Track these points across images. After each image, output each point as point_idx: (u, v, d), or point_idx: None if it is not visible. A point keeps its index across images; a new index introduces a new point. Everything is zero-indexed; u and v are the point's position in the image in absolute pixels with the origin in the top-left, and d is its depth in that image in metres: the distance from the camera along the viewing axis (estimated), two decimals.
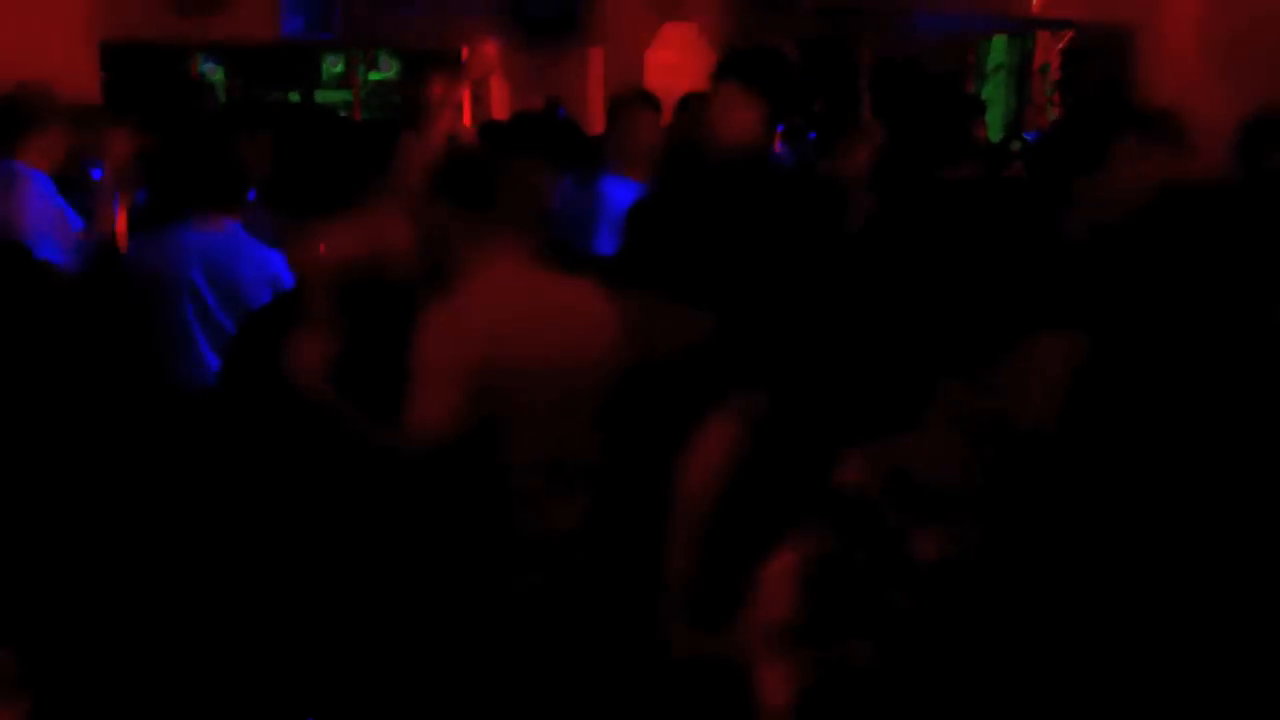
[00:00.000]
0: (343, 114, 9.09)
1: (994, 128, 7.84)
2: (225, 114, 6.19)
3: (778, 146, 4.73)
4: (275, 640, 2.49)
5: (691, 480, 1.94)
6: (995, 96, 9.06)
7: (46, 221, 3.82)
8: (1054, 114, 8.76)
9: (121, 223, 3.76)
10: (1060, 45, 8.96)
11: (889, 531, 1.36)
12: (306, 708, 2.48)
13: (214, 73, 8.97)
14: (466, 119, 8.72)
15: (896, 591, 1.35)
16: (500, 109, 8.20)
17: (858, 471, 1.41)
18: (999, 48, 9.62)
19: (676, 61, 7.12)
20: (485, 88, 8.35)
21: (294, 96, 9.41)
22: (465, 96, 8.99)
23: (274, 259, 3.36)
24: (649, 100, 4.44)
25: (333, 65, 9.47)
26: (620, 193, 4.07)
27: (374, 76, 9.64)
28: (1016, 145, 5.99)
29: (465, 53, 8.10)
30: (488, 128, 5.47)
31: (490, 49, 8.14)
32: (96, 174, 4.22)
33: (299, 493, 2.50)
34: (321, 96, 9.49)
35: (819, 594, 1.37)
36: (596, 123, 7.05)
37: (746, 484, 1.85)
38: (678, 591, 1.96)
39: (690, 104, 4.43)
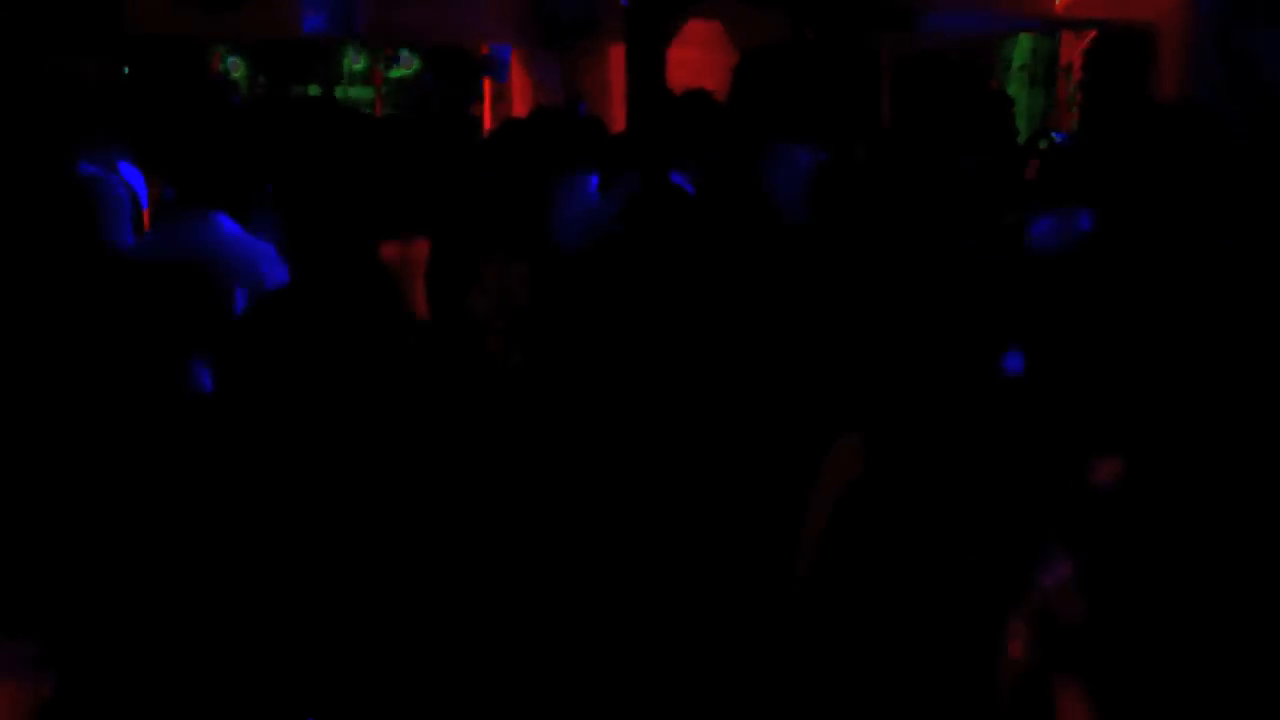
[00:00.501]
0: (364, 110, 9.10)
1: (1019, 127, 7.80)
2: (245, 110, 6.17)
3: None
4: (276, 640, 2.47)
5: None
6: (1018, 96, 9.02)
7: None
8: (1078, 113, 8.72)
9: (147, 219, 3.76)
10: (1083, 44, 8.92)
11: None
12: (307, 708, 2.46)
13: (236, 68, 8.99)
14: (487, 117, 8.73)
15: None
16: (521, 106, 8.20)
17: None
18: (1022, 47, 9.58)
19: (699, 59, 7.11)
20: (506, 85, 8.35)
21: (314, 90, 9.42)
22: (486, 94, 9.01)
23: (259, 253, 3.30)
24: None
25: (354, 62, 9.47)
26: None
27: (395, 73, 9.64)
28: (1044, 144, 5.96)
29: (484, 49, 8.12)
30: (509, 125, 5.47)
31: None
32: (122, 165, 4.22)
33: (302, 501, 2.49)
34: (342, 93, 9.49)
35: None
36: (618, 121, 7.04)
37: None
38: None
39: (697, 101, 4.37)
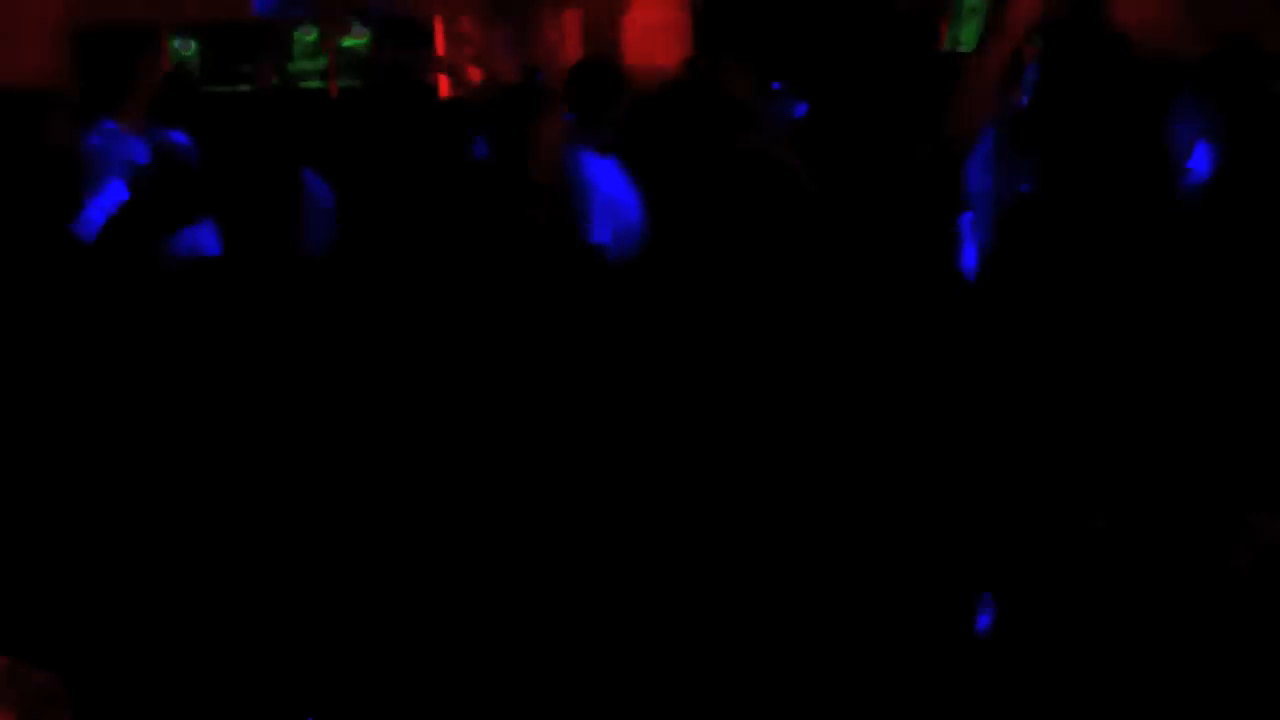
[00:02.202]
0: (316, 84, 9.06)
1: None
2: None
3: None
4: (278, 633, 2.49)
5: None
6: (971, 41, 9.02)
7: None
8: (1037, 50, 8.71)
9: None
10: None
11: None
12: (307, 708, 2.48)
13: (187, 48, 8.90)
14: (442, 85, 8.67)
15: None
16: (475, 76, 8.14)
17: None
18: None
19: (656, 22, 7.07)
20: (461, 55, 8.30)
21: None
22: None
23: None
24: None
25: (306, 34, 9.40)
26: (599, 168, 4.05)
27: (347, 43, 9.56)
28: None
29: (439, 21, 8.06)
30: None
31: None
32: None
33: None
34: (294, 67, 9.42)
35: None
36: None
37: None
38: None
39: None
